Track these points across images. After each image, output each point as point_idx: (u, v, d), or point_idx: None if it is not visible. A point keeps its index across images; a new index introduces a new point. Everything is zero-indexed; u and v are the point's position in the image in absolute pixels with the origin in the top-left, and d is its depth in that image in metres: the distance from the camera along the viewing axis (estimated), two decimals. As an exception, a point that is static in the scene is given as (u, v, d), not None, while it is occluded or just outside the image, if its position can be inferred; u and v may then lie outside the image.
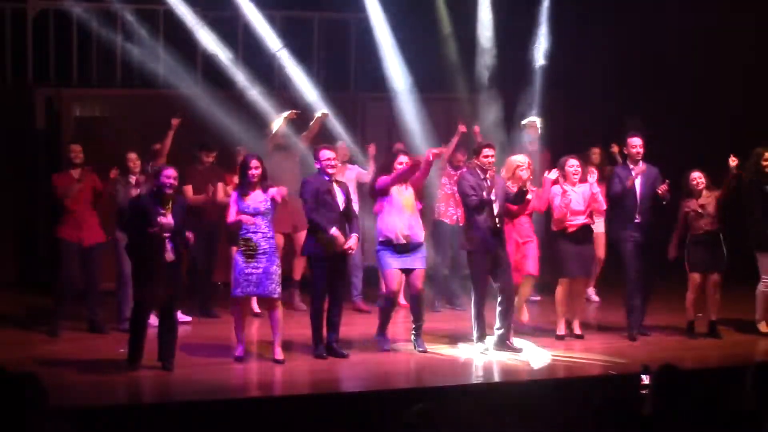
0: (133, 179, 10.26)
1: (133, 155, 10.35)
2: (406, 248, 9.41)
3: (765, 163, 10.38)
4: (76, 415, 7.07)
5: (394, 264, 9.42)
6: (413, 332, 9.66)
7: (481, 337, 9.61)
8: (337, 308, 9.40)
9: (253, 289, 8.99)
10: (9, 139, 12.01)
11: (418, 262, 9.50)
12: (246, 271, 8.94)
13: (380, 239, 9.47)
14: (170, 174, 8.60)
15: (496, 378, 9.03)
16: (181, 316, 9.72)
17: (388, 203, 9.41)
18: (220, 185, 10.84)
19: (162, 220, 8.52)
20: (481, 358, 9.44)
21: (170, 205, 8.62)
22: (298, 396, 8.36)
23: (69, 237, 10.03)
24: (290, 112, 11.30)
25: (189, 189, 10.70)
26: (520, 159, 9.91)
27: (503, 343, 9.60)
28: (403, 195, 9.49)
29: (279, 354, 9.10)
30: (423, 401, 5.26)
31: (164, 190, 8.57)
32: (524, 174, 9.72)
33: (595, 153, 11.93)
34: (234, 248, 10.71)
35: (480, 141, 10.06)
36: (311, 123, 11.21)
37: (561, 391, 8.36)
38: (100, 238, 10.18)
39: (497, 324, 9.60)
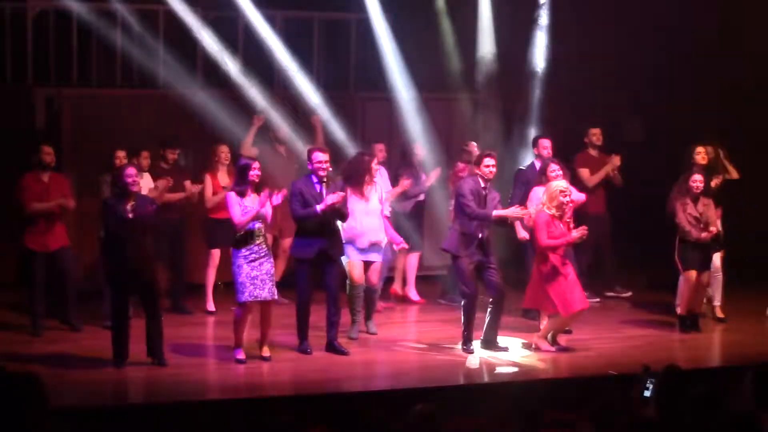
0: None
1: (121, 153, 10.38)
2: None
3: (698, 156, 11.04)
4: (75, 415, 7.08)
5: (355, 256, 9.88)
6: (366, 318, 10.23)
7: (468, 340, 9.64)
8: (335, 307, 9.46)
9: (260, 292, 9.04)
10: (9, 139, 11.99)
11: (375, 255, 10.02)
12: (252, 275, 8.98)
13: (345, 237, 9.82)
14: (131, 173, 8.94)
15: (496, 378, 9.04)
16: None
17: (351, 210, 9.66)
18: (207, 180, 10.91)
19: (132, 209, 8.83)
20: (479, 358, 9.45)
21: (133, 201, 8.90)
22: (296, 396, 8.38)
23: (35, 246, 10.05)
24: (257, 118, 11.48)
25: (163, 183, 10.70)
26: (561, 184, 9.64)
27: (491, 343, 9.67)
28: (363, 201, 9.85)
29: (267, 351, 9.24)
30: (423, 401, 5.27)
31: (128, 189, 8.88)
32: (566, 200, 9.51)
33: (700, 153, 11.81)
34: (215, 251, 10.84)
35: (482, 151, 10.07)
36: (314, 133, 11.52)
37: (560, 391, 8.35)
38: (64, 241, 10.18)
39: (487, 323, 9.67)
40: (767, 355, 9.52)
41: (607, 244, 12.09)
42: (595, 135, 12.01)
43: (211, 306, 11.14)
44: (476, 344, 9.68)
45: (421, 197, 11.68)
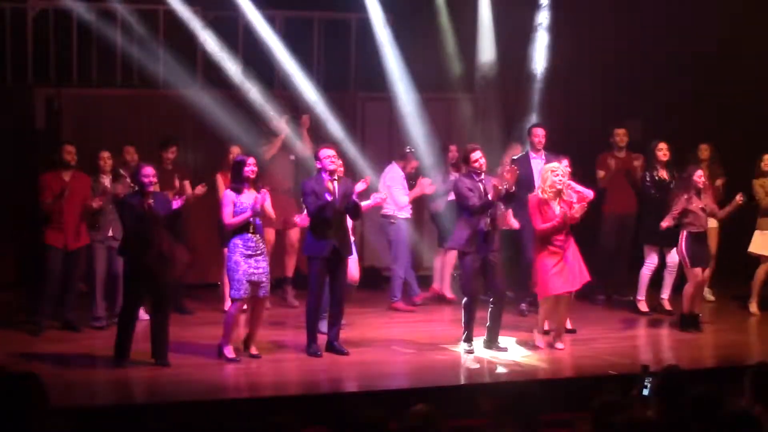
0: (104, 179, 10.31)
1: (105, 154, 10.40)
2: None
3: (659, 152, 11.27)
4: (75, 415, 7.08)
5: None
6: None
7: (469, 338, 9.65)
8: (338, 308, 9.45)
9: (254, 290, 9.04)
10: (9, 139, 12.00)
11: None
12: (249, 272, 8.98)
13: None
14: (148, 172, 8.91)
15: (496, 378, 9.03)
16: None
17: None
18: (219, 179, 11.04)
19: (148, 208, 8.82)
20: (479, 358, 9.46)
21: (151, 200, 8.90)
22: (296, 396, 8.38)
23: (55, 243, 10.07)
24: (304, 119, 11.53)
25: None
26: (552, 165, 9.76)
27: (492, 343, 9.66)
28: None
29: (254, 349, 9.29)
30: (423, 401, 5.27)
31: (145, 189, 8.87)
32: (557, 179, 9.58)
33: (704, 149, 11.83)
34: (226, 249, 10.85)
35: (466, 146, 10.08)
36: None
37: (560, 391, 8.35)
38: (85, 240, 10.23)
39: (488, 323, 9.67)
40: (766, 354, 9.55)
41: (627, 245, 12.06)
42: (619, 135, 11.86)
43: (228, 305, 11.15)
44: (477, 343, 9.68)
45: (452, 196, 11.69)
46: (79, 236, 10.18)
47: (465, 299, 9.63)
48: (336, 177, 9.35)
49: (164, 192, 9.58)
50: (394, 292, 11.57)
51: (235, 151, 11.13)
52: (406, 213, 11.67)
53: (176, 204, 9.06)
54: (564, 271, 9.56)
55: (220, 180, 11.13)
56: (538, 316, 9.93)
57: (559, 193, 9.58)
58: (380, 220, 11.63)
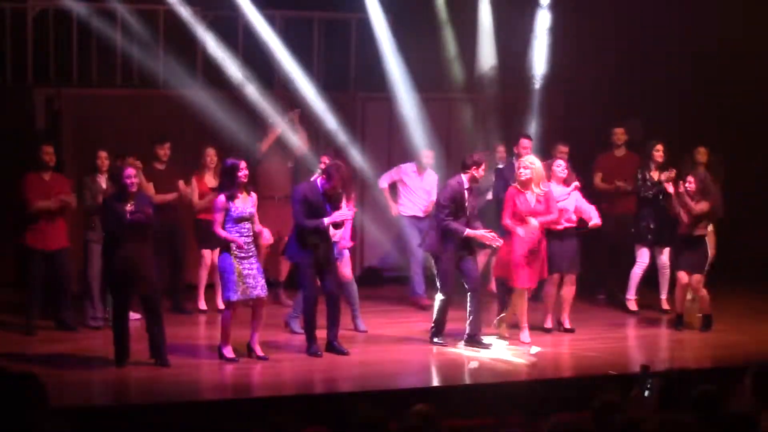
0: (101, 178, 10.29)
1: (103, 153, 10.40)
2: None
3: (656, 153, 11.25)
4: (75, 415, 7.08)
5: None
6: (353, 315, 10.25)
7: (438, 333, 9.75)
8: (334, 308, 9.46)
9: (253, 291, 9.05)
10: (9, 139, 11.99)
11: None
12: (244, 273, 8.97)
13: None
14: (129, 174, 8.97)
15: (496, 378, 9.03)
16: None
17: None
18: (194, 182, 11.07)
19: (131, 211, 8.88)
20: (478, 358, 9.46)
21: (133, 201, 8.94)
22: (296, 396, 8.38)
23: (34, 244, 10.09)
24: (293, 113, 11.49)
25: (151, 188, 10.72)
26: (527, 160, 10.03)
27: (474, 339, 9.71)
28: None
29: (260, 350, 9.25)
30: (423, 401, 5.27)
31: (127, 189, 8.92)
32: (519, 171, 9.86)
33: (702, 153, 11.82)
34: (205, 251, 10.85)
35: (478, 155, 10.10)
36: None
37: (560, 391, 8.36)
38: (64, 242, 10.21)
39: (468, 320, 9.71)
40: (767, 355, 9.55)
41: (627, 245, 12.00)
42: (617, 134, 11.90)
43: (202, 305, 11.20)
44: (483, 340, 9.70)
45: (489, 196, 11.59)
46: (60, 237, 10.18)
47: (440, 300, 9.69)
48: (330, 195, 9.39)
49: (144, 195, 9.58)
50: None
51: (210, 152, 11.14)
52: (410, 210, 11.69)
53: (149, 209, 9.01)
54: (533, 266, 9.76)
55: (194, 182, 11.12)
56: (511, 313, 10.01)
57: (526, 184, 9.78)
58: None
